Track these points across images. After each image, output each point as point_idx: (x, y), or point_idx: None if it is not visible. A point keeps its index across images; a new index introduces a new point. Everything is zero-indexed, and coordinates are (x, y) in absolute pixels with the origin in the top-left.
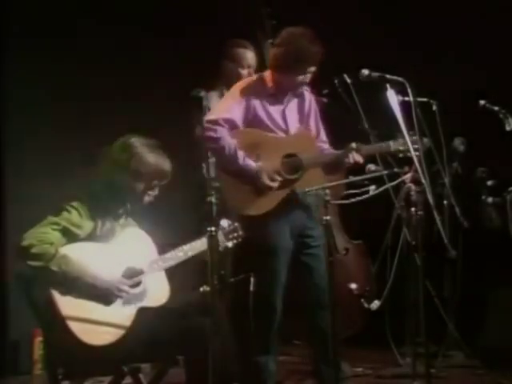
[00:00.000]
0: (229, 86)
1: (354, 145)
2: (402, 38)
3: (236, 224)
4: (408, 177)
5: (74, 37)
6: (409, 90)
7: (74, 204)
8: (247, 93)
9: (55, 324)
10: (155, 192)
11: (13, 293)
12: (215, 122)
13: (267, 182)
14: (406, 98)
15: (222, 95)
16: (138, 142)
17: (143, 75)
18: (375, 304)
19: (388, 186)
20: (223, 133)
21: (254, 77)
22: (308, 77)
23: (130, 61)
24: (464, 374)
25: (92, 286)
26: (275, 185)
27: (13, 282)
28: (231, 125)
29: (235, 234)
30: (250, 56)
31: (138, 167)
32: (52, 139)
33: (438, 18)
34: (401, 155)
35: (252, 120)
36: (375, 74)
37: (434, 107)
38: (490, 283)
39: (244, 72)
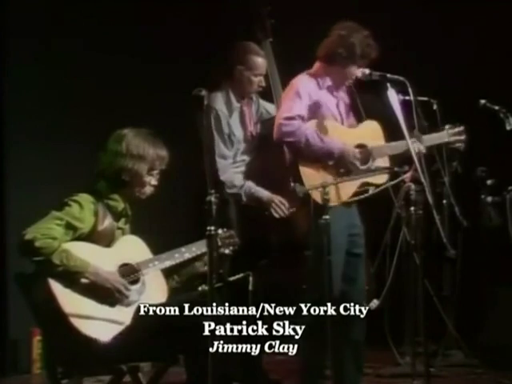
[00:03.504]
0: (237, 90)
1: (416, 132)
2: (402, 38)
3: (232, 231)
4: (408, 176)
5: (74, 39)
6: (409, 90)
7: (76, 197)
8: (307, 88)
9: (55, 319)
10: (155, 181)
11: (12, 292)
12: (290, 118)
13: (352, 157)
14: (407, 98)
15: (227, 96)
16: (130, 132)
17: (144, 76)
18: (374, 303)
19: (388, 185)
20: (300, 124)
21: (308, 72)
22: (358, 70)
23: (130, 62)
24: (463, 373)
25: (93, 283)
26: (358, 163)
27: (12, 282)
28: (303, 120)
29: (231, 241)
30: (262, 64)
31: (138, 151)
32: (53, 141)
33: (437, 17)
34: (451, 146)
35: (315, 113)
36: (376, 73)
37: (435, 106)
38: (490, 282)
39: (256, 80)
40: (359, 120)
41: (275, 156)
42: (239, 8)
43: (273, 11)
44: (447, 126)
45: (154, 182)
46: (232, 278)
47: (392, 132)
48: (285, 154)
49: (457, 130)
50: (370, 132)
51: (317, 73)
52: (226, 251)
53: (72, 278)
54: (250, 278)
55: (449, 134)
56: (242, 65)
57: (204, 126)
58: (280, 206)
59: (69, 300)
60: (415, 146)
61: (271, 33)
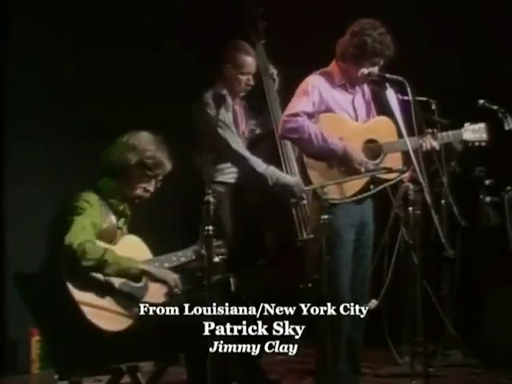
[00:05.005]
0: (227, 88)
1: (429, 130)
2: (402, 38)
3: (221, 241)
4: (406, 176)
5: (74, 38)
6: (408, 90)
7: (85, 198)
8: (317, 86)
9: (67, 311)
10: (150, 187)
11: (11, 292)
12: (294, 115)
13: (355, 162)
14: (406, 98)
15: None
16: (142, 131)
17: (144, 76)
18: (373, 303)
19: (386, 184)
20: (304, 122)
21: (322, 70)
22: (374, 69)
23: (130, 62)
24: (462, 372)
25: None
26: (362, 168)
27: (11, 282)
28: (309, 116)
29: (221, 250)
30: (251, 63)
31: (133, 142)
32: (53, 140)
33: (438, 17)
34: (470, 144)
35: (324, 111)
36: (375, 73)
37: (433, 106)
38: (488, 282)
39: (243, 78)
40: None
41: (268, 157)
42: (233, 10)
43: (266, 13)
44: (467, 124)
45: (148, 186)
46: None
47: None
48: (278, 155)
49: (477, 127)
50: (382, 127)
51: (331, 71)
52: (216, 260)
53: (125, 274)
54: (231, 279)
55: (468, 132)
56: (229, 63)
57: (209, 123)
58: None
59: (82, 289)
60: (428, 142)
61: (264, 34)
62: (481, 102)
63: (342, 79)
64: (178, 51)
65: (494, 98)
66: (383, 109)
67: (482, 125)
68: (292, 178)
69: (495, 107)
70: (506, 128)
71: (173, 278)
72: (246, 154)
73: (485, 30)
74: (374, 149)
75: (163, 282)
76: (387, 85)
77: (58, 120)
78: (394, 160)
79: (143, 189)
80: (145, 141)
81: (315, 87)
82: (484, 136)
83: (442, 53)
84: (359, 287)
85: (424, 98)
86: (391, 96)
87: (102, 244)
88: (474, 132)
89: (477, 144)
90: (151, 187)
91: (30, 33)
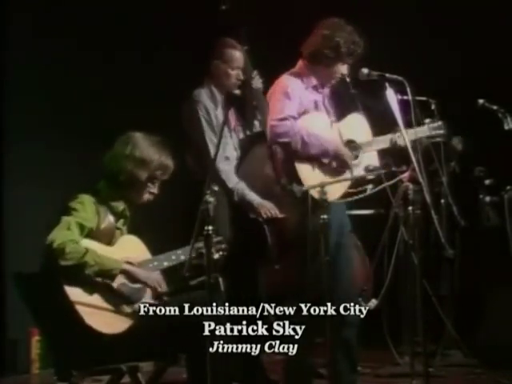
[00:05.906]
0: (218, 85)
1: (398, 129)
2: (402, 38)
3: (221, 237)
4: (406, 175)
5: (73, 39)
6: (408, 89)
7: (78, 199)
8: (295, 88)
9: (64, 313)
10: (155, 189)
11: (11, 292)
12: (282, 119)
13: (347, 156)
14: (405, 97)
15: (210, 92)
16: (140, 136)
17: (144, 77)
18: (373, 303)
19: (385, 184)
20: (293, 124)
21: (293, 71)
22: (344, 68)
23: (128, 63)
24: (462, 372)
25: (132, 278)
26: (351, 161)
27: (11, 282)
28: (294, 119)
29: (221, 246)
30: (239, 57)
31: (141, 155)
32: (52, 140)
33: (437, 17)
34: (433, 140)
35: (303, 113)
36: (375, 73)
37: (433, 106)
38: (488, 282)
39: (233, 73)
40: (343, 114)
41: (263, 159)
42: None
43: (246, 17)
44: (427, 121)
45: (153, 189)
46: (193, 282)
47: (378, 125)
48: (274, 156)
49: (436, 124)
50: (357, 125)
51: (301, 72)
52: (216, 256)
53: (108, 275)
54: (220, 279)
55: (429, 129)
56: (218, 59)
57: (196, 124)
58: (271, 212)
59: (79, 292)
60: (401, 139)
61: (246, 40)
62: (481, 101)
63: (314, 80)
64: (177, 51)
65: (494, 98)
66: (346, 107)
67: (439, 122)
68: (257, 198)
69: (495, 107)
70: (506, 128)
71: (154, 279)
72: (220, 165)
73: (485, 29)
74: (353, 149)
75: (144, 283)
76: (387, 84)
77: (58, 120)
78: (369, 159)
79: (149, 193)
80: (149, 150)
81: (293, 89)
82: (441, 131)
83: (441, 53)
84: (350, 288)
85: (424, 98)
86: (391, 96)
87: (87, 244)
88: (434, 129)
89: (438, 139)
90: (156, 189)
91: (29, 33)
